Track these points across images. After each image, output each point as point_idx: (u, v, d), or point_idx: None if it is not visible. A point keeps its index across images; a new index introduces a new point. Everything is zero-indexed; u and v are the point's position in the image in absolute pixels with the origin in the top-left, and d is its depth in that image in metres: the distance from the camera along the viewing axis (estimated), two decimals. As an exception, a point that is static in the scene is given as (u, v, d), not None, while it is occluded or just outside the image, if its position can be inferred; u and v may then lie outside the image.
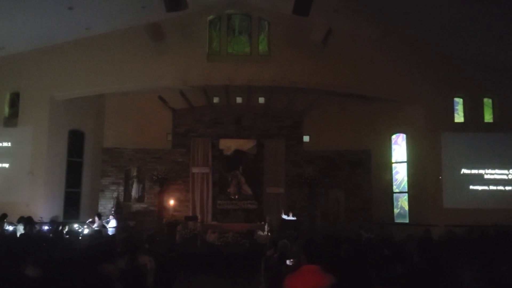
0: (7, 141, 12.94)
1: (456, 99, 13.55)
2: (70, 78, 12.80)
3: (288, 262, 4.86)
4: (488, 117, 13.50)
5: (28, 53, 12.83)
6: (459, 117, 13.49)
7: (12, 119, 13.09)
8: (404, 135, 14.05)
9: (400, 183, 14.05)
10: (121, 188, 13.57)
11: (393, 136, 14.32)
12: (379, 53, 13.00)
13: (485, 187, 12.96)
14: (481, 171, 13.02)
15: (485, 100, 13.54)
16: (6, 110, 13.25)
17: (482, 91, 13.42)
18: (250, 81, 12.68)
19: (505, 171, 13.04)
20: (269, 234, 11.45)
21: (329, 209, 13.64)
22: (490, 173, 13.02)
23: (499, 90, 13.27)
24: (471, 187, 12.94)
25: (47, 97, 12.81)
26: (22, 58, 12.88)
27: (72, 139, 13.62)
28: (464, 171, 13.01)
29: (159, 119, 13.89)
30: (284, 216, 12.53)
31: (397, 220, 13.89)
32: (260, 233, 11.90)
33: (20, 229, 9.59)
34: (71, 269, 3.50)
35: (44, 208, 12.20)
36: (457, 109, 13.55)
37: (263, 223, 12.17)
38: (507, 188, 12.97)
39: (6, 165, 12.82)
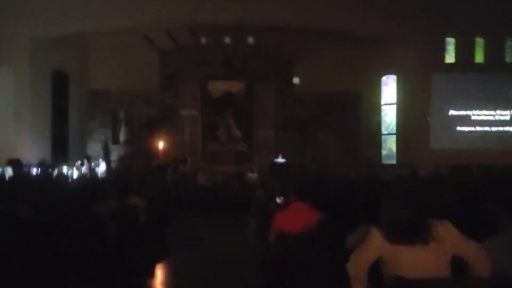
0: (-11, 83, 12.57)
1: (448, 39, 13.36)
2: (52, 16, 12.18)
3: (277, 200, 4.96)
4: (479, 58, 13.40)
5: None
6: (450, 58, 13.37)
7: (-9, 59, 12.63)
8: (395, 77, 13.96)
9: (389, 125, 14.17)
10: (109, 130, 13.48)
11: (383, 78, 14.24)
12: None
13: (472, 128, 13.14)
14: (469, 112, 13.14)
15: (477, 40, 13.37)
16: (-16, 50, 12.74)
17: (475, 30, 13.20)
18: (238, 19, 12.24)
19: (492, 112, 13.17)
20: (258, 175, 11.64)
21: (319, 151, 13.80)
22: (478, 114, 13.16)
23: (491, 30, 13.06)
24: (458, 128, 13.11)
25: (28, 36, 12.27)
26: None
27: (56, 80, 13.25)
28: (452, 112, 13.12)
29: (145, 60, 13.52)
30: (278, 160, 12.68)
31: (385, 162, 14.16)
32: (250, 174, 12.09)
33: (8, 172, 9.56)
34: (63, 209, 3.52)
35: (30, 151, 12.09)
36: (448, 50, 13.40)
37: (252, 164, 12.32)
38: (493, 128, 13.16)
39: (-10, 108, 12.55)
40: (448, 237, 2.21)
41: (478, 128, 13.15)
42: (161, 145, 13.20)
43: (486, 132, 13.14)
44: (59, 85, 13.31)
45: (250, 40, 13.49)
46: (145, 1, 12.07)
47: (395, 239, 2.21)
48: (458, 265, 2.26)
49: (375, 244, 2.28)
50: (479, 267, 2.22)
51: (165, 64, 13.75)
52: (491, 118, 13.19)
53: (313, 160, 13.66)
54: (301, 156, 13.68)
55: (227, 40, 13.33)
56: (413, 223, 2.22)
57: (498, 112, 13.18)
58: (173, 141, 13.57)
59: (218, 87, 13.63)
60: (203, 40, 13.32)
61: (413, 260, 2.19)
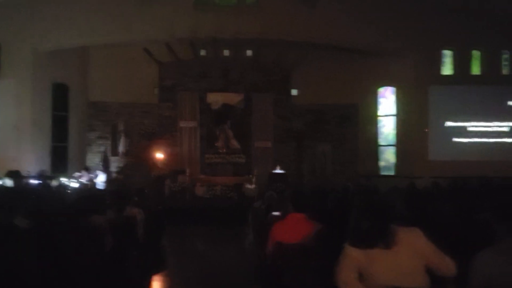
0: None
1: (445, 52, 13.49)
2: (53, 29, 12.33)
3: (274, 214, 4.97)
4: (475, 70, 13.52)
5: (9, 2, 12.24)
6: (447, 70, 13.48)
7: (-6, 71, 12.70)
8: (393, 88, 14.05)
9: (386, 136, 14.22)
10: (108, 142, 13.51)
11: (381, 89, 14.32)
12: (368, 5, 12.72)
13: (469, 140, 13.19)
14: (465, 124, 13.21)
15: (474, 52, 13.50)
16: (-14, 62, 12.82)
17: (471, 43, 13.33)
18: (237, 33, 12.38)
19: (489, 124, 13.24)
20: (256, 187, 11.64)
21: (317, 162, 13.83)
22: (474, 126, 13.23)
23: (487, 42, 13.20)
24: (454, 139, 13.16)
25: (30, 49, 12.37)
26: (2, 8, 12.29)
27: (57, 93, 13.33)
28: (449, 123, 13.19)
29: (145, 72, 13.63)
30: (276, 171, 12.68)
31: (383, 173, 14.17)
32: (248, 186, 12.10)
33: (8, 183, 9.56)
34: (61, 220, 3.53)
35: (30, 162, 12.11)
36: (445, 62, 13.51)
37: (251, 176, 12.33)
38: (490, 140, 13.21)
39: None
40: (417, 243, 2.31)
41: (475, 139, 13.20)
42: (159, 156, 13.22)
43: (483, 143, 13.18)
44: (60, 97, 13.37)
45: (249, 53, 13.61)
46: (145, 15, 12.21)
47: (358, 244, 2.35)
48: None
49: (348, 259, 2.39)
50: (444, 274, 2.33)
51: (165, 76, 13.85)
52: (488, 129, 13.25)
53: (310, 170, 13.69)
54: (299, 168, 13.70)
55: (226, 53, 13.44)
56: (372, 228, 2.33)
57: (495, 123, 13.25)
58: (171, 152, 13.60)
59: (216, 99, 13.70)
60: (202, 53, 13.43)
61: (385, 265, 2.28)
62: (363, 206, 2.44)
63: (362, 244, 2.33)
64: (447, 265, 2.34)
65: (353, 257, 2.37)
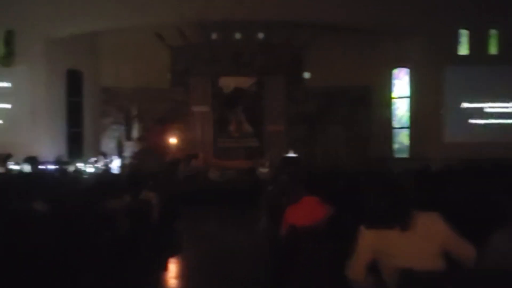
0: (7, 81, 12.81)
1: (461, 31, 13.18)
2: (65, 15, 12.35)
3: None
4: (493, 49, 13.19)
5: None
6: (463, 50, 13.19)
7: (8, 58, 12.83)
8: (408, 70, 13.83)
9: (400, 118, 14.06)
10: (123, 127, 13.64)
11: (395, 71, 14.12)
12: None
13: (485, 121, 12.97)
14: (482, 105, 12.97)
15: (491, 31, 13.16)
16: (1, 49, 12.97)
17: (488, 22, 12.98)
18: (248, 15, 12.26)
19: (506, 104, 12.98)
20: (269, 170, 11.67)
21: (330, 145, 13.78)
22: (491, 106, 12.98)
23: (505, 21, 12.84)
24: (470, 120, 12.95)
25: (43, 36, 12.46)
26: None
27: (71, 79, 13.45)
28: (465, 105, 12.97)
29: (157, 57, 13.62)
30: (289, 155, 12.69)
31: (397, 156, 14.07)
32: (261, 169, 12.13)
33: (26, 168, 9.76)
34: (78, 204, 3.61)
35: (47, 148, 12.32)
36: (461, 42, 13.22)
37: (264, 160, 12.36)
38: (508, 121, 12.97)
39: (9, 106, 12.79)
40: (435, 228, 2.29)
41: (492, 121, 12.98)
42: (173, 141, 13.32)
43: (500, 124, 12.95)
44: (74, 83, 13.50)
45: (260, 35, 13.49)
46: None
47: (375, 225, 2.33)
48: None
49: (365, 241, 2.38)
50: (466, 263, 2.30)
51: (176, 61, 13.85)
52: (505, 110, 12.99)
53: (323, 153, 13.65)
54: (312, 151, 13.67)
55: (237, 36, 13.34)
56: (390, 208, 2.31)
57: (512, 104, 13.00)
58: (184, 137, 13.68)
59: (228, 83, 13.68)
60: (214, 36, 13.35)
61: (401, 247, 2.28)
62: (380, 187, 2.42)
63: (380, 225, 2.32)
64: (467, 252, 2.31)
65: (369, 240, 2.37)
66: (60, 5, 12.31)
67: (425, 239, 2.27)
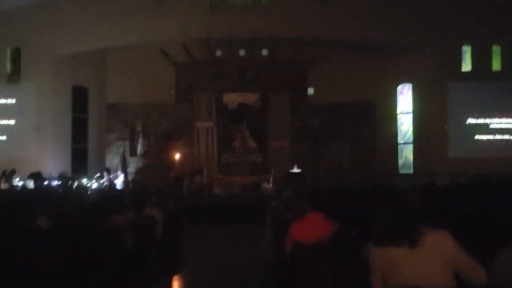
0: (12, 98, 12.94)
1: (464, 47, 13.24)
2: (71, 32, 12.56)
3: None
4: (496, 65, 13.22)
5: (28, 7, 12.53)
6: (466, 66, 13.23)
7: (14, 75, 13.02)
8: (410, 85, 13.87)
9: (405, 134, 14.04)
10: (127, 143, 13.70)
11: (399, 87, 14.15)
12: (385, 1, 12.58)
13: (491, 136, 12.91)
14: (487, 120, 12.93)
15: (494, 47, 13.21)
16: (8, 66, 13.14)
17: (491, 38, 13.05)
18: (253, 33, 12.39)
19: (510, 120, 12.94)
20: (274, 186, 11.63)
21: (334, 161, 13.74)
22: (497, 122, 12.94)
23: (508, 37, 12.91)
24: (476, 136, 12.90)
25: (49, 53, 12.64)
26: (21, 12, 12.59)
27: (76, 95, 13.57)
28: (470, 120, 12.94)
29: (162, 73, 13.75)
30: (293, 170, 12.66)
31: (402, 171, 14.00)
32: (266, 185, 12.10)
33: (30, 184, 9.79)
34: (81, 220, 3.60)
35: (51, 164, 12.37)
36: (464, 58, 13.26)
37: (268, 175, 12.33)
38: (512, 137, 12.92)
39: (13, 122, 12.90)
40: (445, 247, 2.25)
41: (498, 136, 12.93)
42: (177, 156, 13.34)
43: (506, 140, 12.90)
44: (79, 99, 13.61)
45: (264, 52, 13.59)
46: (161, 16, 12.32)
47: (383, 242, 2.31)
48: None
49: (374, 259, 2.36)
50: (474, 282, 2.25)
51: (181, 77, 13.96)
52: (510, 126, 12.95)
53: (327, 169, 13.61)
54: (316, 166, 13.64)
55: (242, 52, 13.46)
56: (398, 225, 2.29)
57: (518, 120, 12.96)
58: (189, 152, 13.70)
59: (233, 99, 13.74)
60: (218, 53, 13.48)
61: (409, 264, 2.24)
62: (389, 203, 2.41)
63: (388, 242, 2.29)
64: (477, 273, 2.26)
65: (377, 257, 2.35)
66: (66, 23, 12.51)
67: (433, 257, 2.23)
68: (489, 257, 2.34)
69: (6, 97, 12.94)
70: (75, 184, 10.26)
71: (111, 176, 11.96)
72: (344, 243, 3.45)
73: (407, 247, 2.25)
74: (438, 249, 2.24)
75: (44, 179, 10.35)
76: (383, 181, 12.36)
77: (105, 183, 11.24)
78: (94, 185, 10.91)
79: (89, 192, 8.90)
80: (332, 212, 3.93)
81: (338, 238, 3.56)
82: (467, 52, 13.28)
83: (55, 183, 10.68)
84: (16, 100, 12.90)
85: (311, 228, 3.71)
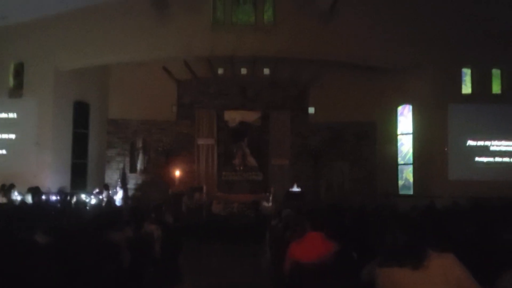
0: (13, 112, 12.98)
1: (464, 70, 13.35)
2: (74, 48, 12.68)
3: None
4: (496, 88, 13.30)
5: (32, 23, 12.67)
6: (466, 88, 13.31)
7: (17, 90, 13.08)
8: (411, 106, 13.93)
9: (405, 155, 14.04)
10: (127, 159, 13.69)
11: (399, 108, 14.22)
12: (385, 23, 12.74)
13: (491, 159, 12.91)
14: (487, 143, 12.94)
15: (494, 71, 13.32)
16: (11, 81, 13.22)
17: (491, 61, 13.16)
18: (255, 52, 12.52)
19: (510, 143, 12.95)
20: (273, 205, 11.58)
21: (334, 180, 13.71)
22: (497, 145, 12.95)
23: (508, 60, 13.02)
24: (476, 159, 12.89)
25: (52, 68, 12.73)
26: (25, 28, 12.72)
27: (78, 110, 13.61)
28: (470, 143, 12.95)
29: (163, 90, 13.83)
30: (293, 189, 12.63)
31: (402, 192, 13.94)
32: (265, 204, 12.04)
33: (29, 199, 9.75)
34: (79, 236, 3.57)
35: (51, 178, 12.33)
36: (464, 80, 13.36)
37: (268, 194, 12.28)
38: (512, 160, 12.91)
39: (13, 136, 12.90)
40: (451, 271, 2.22)
41: (498, 159, 12.92)
42: (177, 173, 13.31)
43: (506, 163, 12.89)
44: (81, 114, 13.65)
45: (266, 71, 13.71)
46: (164, 34, 12.46)
47: (387, 262, 2.30)
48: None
49: (380, 280, 2.35)
50: None
51: (182, 94, 14.05)
52: (510, 148, 12.96)
53: (327, 188, 13.57)
54: (316, 186, 13.60)
55: (243, 71, 13.57)
56: (404, 246, 2.29)
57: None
58: (189, 169, 13.68)
59: (234, 117, 13.80)
60: (220, 71, 13.59)
61: (413, 286, 2.23)
62: (397, 223, 2.40)
63: (393, 262, 2.28)
64: None
65: (381, 279, 2.34)
66: (69, 38, 12.64)
67: (438, 280, 2.20)
68: (491, 280, 2.32)
69: (7, 112, 12.97)
70: (74, 199, 10.22)
71: (110, 192, 11.91)
72: (344, 263, 3.42)
73: (410, 268, 2.23)
74: (443, 273, 2.21)
75: (43, 194, 10.31)
76: (384, 201, 12.33)
77: (104, 199, 11.19)
78: (93, 200, 10.85)
79: (87, 208, 8.87)
80: (332, 232, 3.90)
81: (338, 258, 3.52)
82: (467, 75, 13.38)
83: (53, 198, 10.64)
84: (17, 115, 12.93)
85: (311, 248, 3.68)
